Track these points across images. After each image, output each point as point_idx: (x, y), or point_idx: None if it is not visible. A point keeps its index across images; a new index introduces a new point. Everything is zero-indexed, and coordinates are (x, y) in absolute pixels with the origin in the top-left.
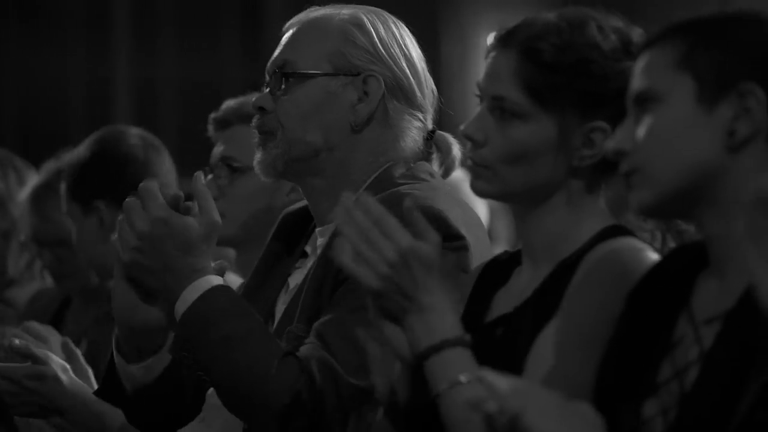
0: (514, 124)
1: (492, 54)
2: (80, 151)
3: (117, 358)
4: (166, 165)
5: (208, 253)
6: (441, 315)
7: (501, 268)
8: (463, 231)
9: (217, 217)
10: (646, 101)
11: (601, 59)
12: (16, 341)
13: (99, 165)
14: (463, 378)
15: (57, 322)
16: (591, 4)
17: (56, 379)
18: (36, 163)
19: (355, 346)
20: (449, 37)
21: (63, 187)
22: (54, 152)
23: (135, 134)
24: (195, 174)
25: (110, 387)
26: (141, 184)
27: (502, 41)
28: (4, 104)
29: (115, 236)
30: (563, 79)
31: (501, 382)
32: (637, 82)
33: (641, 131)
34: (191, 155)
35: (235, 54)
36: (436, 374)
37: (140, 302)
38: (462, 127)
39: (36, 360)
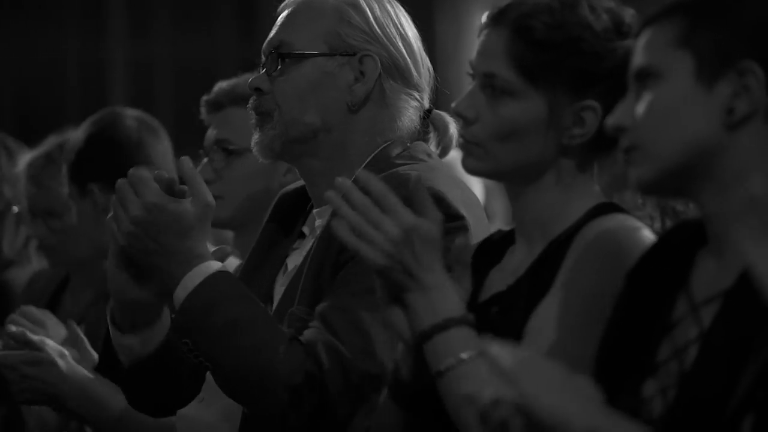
0: (505, 102)
1: (484, 32)
2: (78, 133)
3: (112, 330)
4: (161, 147)
5: (204, 236)
6: (443, 293)
7: (494, 248)
8: (463, 211)
9: (211, 199)
10: (646, 78)
11: (592, 38)
12: (13, 328)
13: (93, 148)
14: (464, 355)
15: (54, 304)
16: None
17: (53, 364)
18: (32, 145)
19: (359, 329)
20: (444, 16)
21: (64, 168)
22: (50, 134)
23: (131, 116)
24: (180, 159)
25: (108, 361)
26: (130, 171)
27: (494, 20)
28: (0, 86)
29: (110, 216)
30: (554, 56)
31: (504, 355)
32: (637, 58)
33: (641, 108)
34: (187, 136)
35: (230, 35)
36: (438, 353)
37: (133, 279)
38: (453, 105)
39: (32, 346)
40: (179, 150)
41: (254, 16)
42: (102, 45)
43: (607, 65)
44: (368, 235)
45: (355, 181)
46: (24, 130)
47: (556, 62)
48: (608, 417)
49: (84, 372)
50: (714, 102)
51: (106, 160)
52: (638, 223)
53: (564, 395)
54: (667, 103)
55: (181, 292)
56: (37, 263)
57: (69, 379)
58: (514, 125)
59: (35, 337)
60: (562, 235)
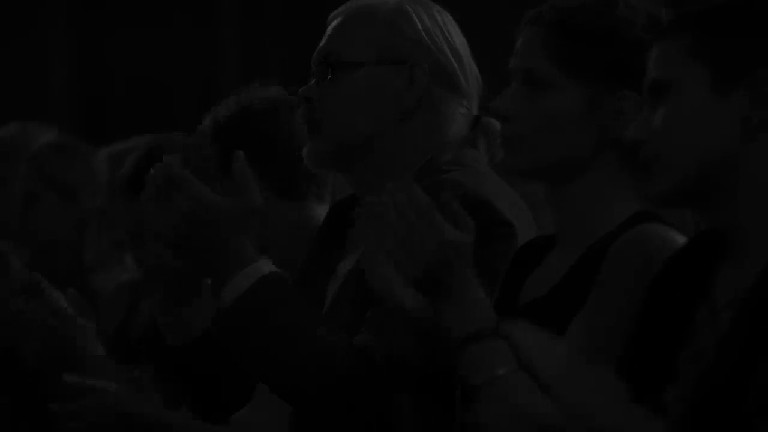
0: (544, 95)
1: (522, 33)
2: None
3: (159, 309)
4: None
5: (251, 236)
6: (476, 304)
7: (535, 252)
8: (511, 218)
9: (258, 197)
10: (660, 90)
11: (628, 29)
12: (68, 378)
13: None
14: (501, 371)
15: (130, 315)
16: None
17: (121, 409)
18: None
19: (410, 334)
20: None
21: None
22: None
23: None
24: (235, 152)
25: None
26: (173, 170)
27: (531, 21)
28: (112, 92)
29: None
30: (591, 46)
31: (525, 336)
32: (651, 71)
33: (657, 120)
34: None
35: None
36: (473, 364)
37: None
38: (491, 104)
39: (94, 392)
40: None
41: None
42: (214, 51)
43: (644, 57)
44: (408, 245)
45: (399, 188)
46: (137, 133)
47: (593, 52)
48: (631, 412)
49: (148, 415)
50: (730, 111)
51: None
52: (672, 232)
53: (577, 383)
54: (682, 115)
55: (231, 292)
56: (119, 270)
57: (133, 422)
58: (554, 117)
59: (97, 383)
60: (600, 241)
